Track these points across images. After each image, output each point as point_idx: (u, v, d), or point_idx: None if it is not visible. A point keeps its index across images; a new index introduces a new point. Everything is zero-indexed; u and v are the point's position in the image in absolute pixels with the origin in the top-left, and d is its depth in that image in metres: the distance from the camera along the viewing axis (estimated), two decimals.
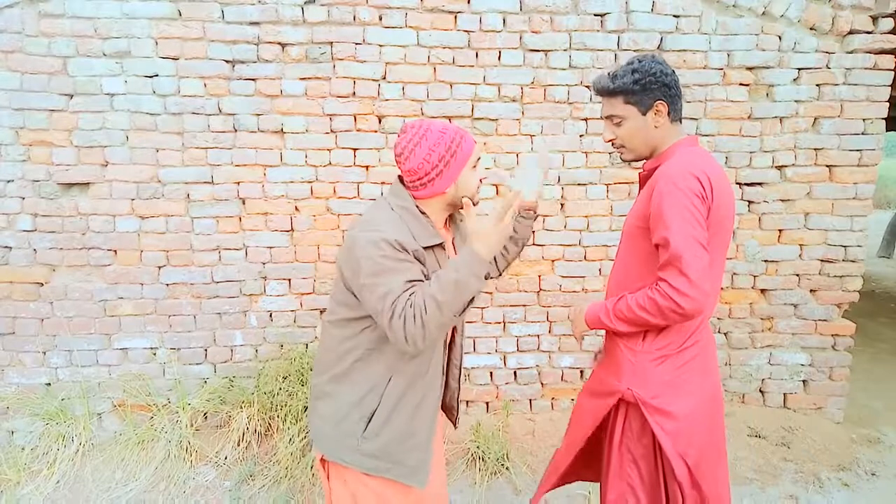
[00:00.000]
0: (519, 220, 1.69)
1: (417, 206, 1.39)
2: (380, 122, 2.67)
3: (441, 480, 1.62)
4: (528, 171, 1.66)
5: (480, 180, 1.45)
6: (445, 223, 1.52)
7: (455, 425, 1.71)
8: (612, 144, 1.54)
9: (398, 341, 1.24)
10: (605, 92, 1.48)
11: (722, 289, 2.70)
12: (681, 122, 1.50)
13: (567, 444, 1.69)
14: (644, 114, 1.45)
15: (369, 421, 1.37)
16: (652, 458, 1.45)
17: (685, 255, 1.29)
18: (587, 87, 2.70)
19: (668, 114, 1.45)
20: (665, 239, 1.32)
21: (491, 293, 2.82)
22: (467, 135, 1.40)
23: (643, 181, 1.54)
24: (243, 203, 2.68)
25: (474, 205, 1.42)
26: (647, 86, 1.41)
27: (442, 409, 1.66)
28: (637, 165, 1.59)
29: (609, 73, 1.47)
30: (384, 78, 2.63)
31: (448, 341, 1.48)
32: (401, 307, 1.22)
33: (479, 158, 1.43)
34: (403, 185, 1.43)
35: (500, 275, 1.75)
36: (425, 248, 1.34)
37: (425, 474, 1.42)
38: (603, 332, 1.59)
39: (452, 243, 1.56)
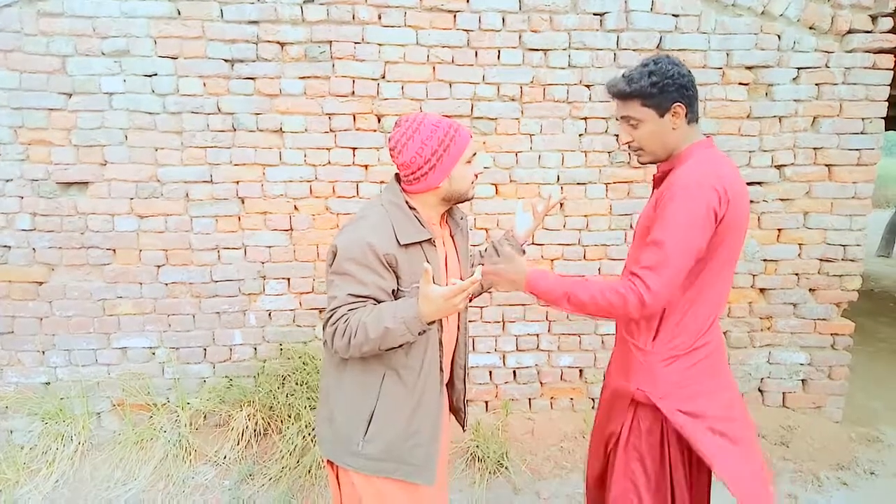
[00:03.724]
0: (506, 247, 1.70)
1: (408, 202, 1.39)
2: (379, 121, 2.67)
3: (443, 480, 1.62)
4: (523, 215, 1.77)
5: (476, 175, 1.44)
6: (443, 219, 1.52)
7: (463, 427, 1.72)
8: (629, 147, 1.50)
9: (327, 344, 1.35)
10: (621, 95, 1.44)
11: None
12: (697, 122, 1.47)
13: (591, 453, 1.70)
14: (662, 116, 1.41)
15: (369, 423, 1.37)
16: (658, 457, 1.44)
17: (670, 264, 1.30)
18: (587, 86, 2.70)
19: (686, 115, 1.42)
20: (658, 241, 1.32)
21: (490, 292, 2.82)
22: (462, 129, 1.39)
23: (657, 183, 1.52)
24: (242, 202, 2.68)
25: (469, 199, 1.47)
26: (664, 88, 1.38)
27: (450, 411, 1.66)
28: (638, 164, 1.58)
29: (624, 76, 1.43)
30: (383, 77, 2.63)
31: (441, 339, 1.47)
32: (335, 318, 1.30)
33: (474, 154, 1.43)
34: (399, 181, 1.44)
35: (480, 294, 1.76)
36: (412, 244, 1.35)
37: (432, 471, 1.42)
38: (613, 330, 1.58)
39: (453, 239, 1.55)
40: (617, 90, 1.44)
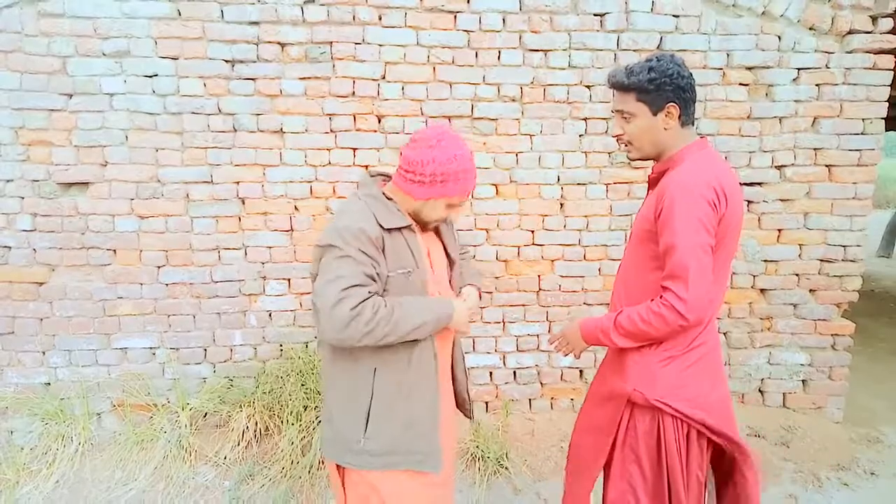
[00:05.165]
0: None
1: (384, 193, 1.41)
2: (379, 121, 2.67)
3: (450, 473, 1.61)
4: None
5: (445, 218, 1.46)
6: None
7: (471, 417, 1.71)
8: (619, 140, 1.52)
9: (332, 329, 1.25)
10: (618, 86, 1.46)
11: None
12: (693, 124, 1.48)
13: (588, 450, 1.67)
14: (655, 114, 1.43)
15: (367, 420, 1.37)
16: (655, 458, 1.44)
17: (692, 266, 1.30)
18: (587, 86, 2.70)
19: (679, 117, 1.43)
20: (672, 246, 1.32)
21: (490, 293, 2.82)
22: (471, 180, 1.39)
23: (652, 184, 1.53)
24: (243, 203, 2.68)
25: (429, 229, 1.50)
26: (661, 86, 1.39)
27: (456, 405, 1.65)
28: (638, 165, 1.59)
29: (626, 68, 1.45)
30: (384, 78, 2.63)
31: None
32: (356, 300, 1.24)
33: (460, 204, 1.43)
34: (373, 178, 1.47)
35: None
36: (393, 229, 1.37)
37: (438, 459, 1.42)
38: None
39: (437, 233, 1.56)
40: (615, 81, 1.47)
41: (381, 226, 1.34)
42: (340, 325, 1.24)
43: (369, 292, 1.29)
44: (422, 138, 1.36)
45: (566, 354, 1.61)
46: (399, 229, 1.38)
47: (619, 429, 1.50)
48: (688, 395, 1.41)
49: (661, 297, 1.35)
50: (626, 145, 1.52)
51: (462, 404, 1.67)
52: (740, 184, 2.73)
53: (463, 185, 1.38)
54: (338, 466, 1.45)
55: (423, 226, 1.46)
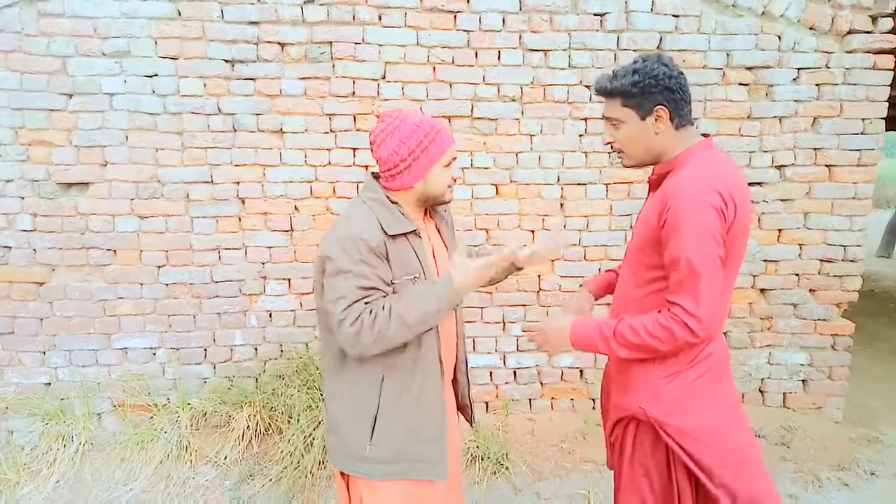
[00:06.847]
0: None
1: (388, 197, 1.39)
2: None
3: (457, 479, 1.60)
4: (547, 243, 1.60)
5: (454, 179, 1.43)
6: (426, 213, 1.51)
7: (471, 423, 1.70)
8: (612, 147, 1.45)
9: (346, 347, 1.30)
10: (603, 92, 1.39)
11: None
12: (692, 125, 1.40)
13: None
14: (643, 118, 1.34)
15: (374, 426, 1.36)
16: (665, 472, 1.40)
17: (702, 280, 1.22)
18: (587, 86, 2.70)
19: (672, 119, 1.34)
20: (678, 258, 1.24)
21: (490, 293, 2.82)
22: (444, 132, 1.38)
23: (653, 185, 1.44)
24: (243, 203, 2.68)
25: (446, 202, 1.46)
26: (646, 89, 1.31)
27: (458, 408, 1.65)
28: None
29: (612, 72, 1.38)
30: (384, 77, 2.63)
31: (437, 329, 1.45)
32: (354, 316, 1.27)
33: (454, 158, 1.41)
34: (377, 179, 1.45)
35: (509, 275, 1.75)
36: (397, 235, 1.35)
37: (443, 466, 1.41)
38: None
39: (439, 232, 1.54)
40: (599, 87, 1.39)
41: (385, 231, 1.32)
42: (349, 343, 1.29)
43: (366, 303, 1.29)
44: (378, 135, 1.36)
45: (547, 352, 1.57)
46: (404, 235, 1.36)
47: (626, 443, 1.46)
48: (692, 410, 1.35)
49: (668, 310, 1.26)
50: (618, 153, 1.44)
51: (463, 408, 1.66)
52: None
53: (441, 140, 1.36)
54: (342, 473, 1.44)
55: (440, 201, 1.44)
